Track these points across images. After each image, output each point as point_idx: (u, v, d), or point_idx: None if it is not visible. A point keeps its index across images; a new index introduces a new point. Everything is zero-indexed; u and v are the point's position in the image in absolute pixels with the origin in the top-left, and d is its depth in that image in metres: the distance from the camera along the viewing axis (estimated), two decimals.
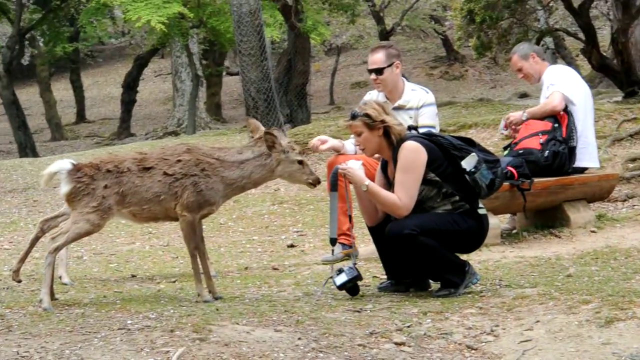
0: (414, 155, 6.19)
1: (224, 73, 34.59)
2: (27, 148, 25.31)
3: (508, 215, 8.88)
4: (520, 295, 6.11)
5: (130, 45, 37.88)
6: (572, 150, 8.42)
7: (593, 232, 8.43)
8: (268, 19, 20.34)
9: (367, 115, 6.29)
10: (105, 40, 40.37)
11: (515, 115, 8.68)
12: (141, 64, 31.82)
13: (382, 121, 6.28)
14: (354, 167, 6.34)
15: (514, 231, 8.62)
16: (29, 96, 38.81)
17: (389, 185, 6.35)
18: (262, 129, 6.42)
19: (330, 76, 34.66)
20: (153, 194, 6.11)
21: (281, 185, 12.12)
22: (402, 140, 6.26)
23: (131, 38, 35.91)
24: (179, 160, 6.17)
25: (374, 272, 7.23)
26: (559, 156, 8.32)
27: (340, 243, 7.74)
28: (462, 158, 6.22)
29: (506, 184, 7.88)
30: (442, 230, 6.16)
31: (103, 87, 42.15)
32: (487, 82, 34.23)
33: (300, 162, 6.37)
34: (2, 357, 4.65)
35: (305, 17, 18.73)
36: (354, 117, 6.34)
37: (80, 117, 35.85)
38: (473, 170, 6.21)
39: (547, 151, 8.30)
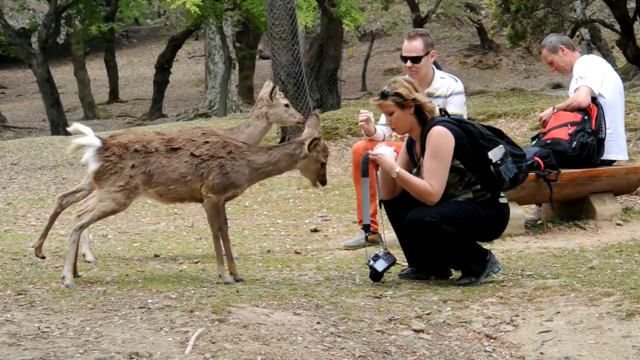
0: (442, 140, 6.16)
1: (257, 56, 34.60)
2: (59, 126, 25.44)
3: (534, 206, 8.84)
4: (541, 285, 6.10)
5: (165, 26, 37.99)
6: (600, 142, 8.36)
7: (619, 224, 8.38)
8: (301, 3, 20.31)
9: (398, 94, 6.26)
10: (141, 21, 40.46)
11: (545, 113, 8.70)
12: (175, 45, 31.88)
13: (414, 99, 6.26)
14: (385, 152, 6.33)
15: (539, 222, 8.57)
16: (63, 75, 39.04)
17: (413, 164, 6.35)
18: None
19: (364, 62, 34.59)
20: (179, 174, 6.13)
21: None
22: (432, 121, 6.24)
23: (166, 19, 36.02)
24: (207, 142, 6.19)
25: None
26: (587, 147, 8.26)
27: None
28: (490, 149, 6.21)
29: (532, 174, 7.85)
30: (462, 218, 6.15)
31: (137, 67, 42.31)
32: (521, 71, 34.01)
33: (323, 165, 6.37)
34: (24, 332, 4.69)
35: (338, 1, 18.69)
36: (384, 95, 6.30)
37: (113, 96, 36.01)
38: (499, 162, 6.20)
39: (575, 142, 8.25)
